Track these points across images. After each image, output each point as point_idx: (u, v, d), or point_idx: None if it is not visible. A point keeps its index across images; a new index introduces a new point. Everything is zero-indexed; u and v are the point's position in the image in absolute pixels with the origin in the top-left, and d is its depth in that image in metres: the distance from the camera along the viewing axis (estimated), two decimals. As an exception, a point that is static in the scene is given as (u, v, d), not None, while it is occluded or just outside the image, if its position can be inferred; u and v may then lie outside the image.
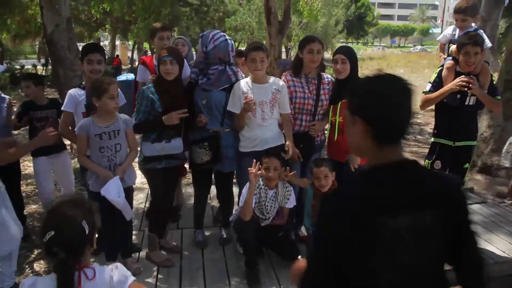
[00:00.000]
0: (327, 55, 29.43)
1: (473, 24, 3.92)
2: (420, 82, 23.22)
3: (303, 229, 4.00)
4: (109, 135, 3.16)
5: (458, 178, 1.89)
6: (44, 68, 22.58)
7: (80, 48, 4.33)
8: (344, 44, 35.82)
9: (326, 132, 4.01)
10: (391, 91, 1.37)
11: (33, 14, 15.92)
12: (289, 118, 3.63)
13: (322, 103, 3.69)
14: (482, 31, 3.90)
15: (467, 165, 3.87)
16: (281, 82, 3.58)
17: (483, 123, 6.67)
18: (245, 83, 3.51)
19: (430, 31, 78.85)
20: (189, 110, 3.45)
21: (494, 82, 3.72)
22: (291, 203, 3.58)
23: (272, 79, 3.58)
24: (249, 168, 3.22)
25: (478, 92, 3.52)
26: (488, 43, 3.79)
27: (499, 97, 3.67)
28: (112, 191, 3.05)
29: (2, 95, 4.09)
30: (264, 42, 10.89)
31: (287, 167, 3.50)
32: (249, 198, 3.26)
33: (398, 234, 1.32)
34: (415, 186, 1.37)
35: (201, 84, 3.55)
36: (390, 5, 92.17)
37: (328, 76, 3.83)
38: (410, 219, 1.33)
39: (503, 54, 8.08)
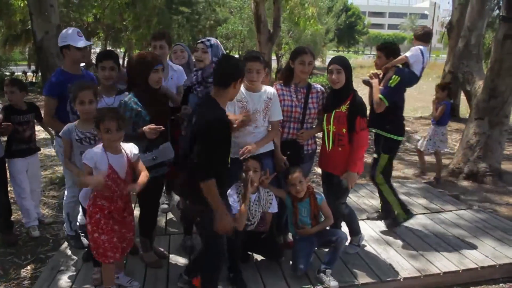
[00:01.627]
0: (317, 63, 29.49)
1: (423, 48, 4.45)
2: (410, 90, 23.46)
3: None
4: (89, 140, 3.17)
5: (209, 117, 2.78)
6: (34, 74, 22.49)
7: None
8: (335, 52, 36.10)
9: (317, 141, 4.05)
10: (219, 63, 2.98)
11: (20, 19, 15.91)
12: (279, 125, 3.66)
13: (310, 111, 3.73)
14: (412, 49, 4.47)
15: (375, 155, 4.44)
16: (273, 90, 3.60)
17: (470, 131, 6.78)
18: (240, 91, 3.50)
19: (420, 40, 79.70)
20: (176, 113, 3.51)
21: (391, 85, 4.10)
22: (274, 208, 3.59)
23: (264, 87, 3.59)
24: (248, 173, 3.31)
25: (371, 83, 4.30)
26: (407, 56, 4.34)
27: (381, 96, 4.10)
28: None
29: None
30: (255, 50, 10.94)
31: (267, 169, 3.50)
32: (245, 207, 3.28)
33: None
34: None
35: (199, 92, 3.60)
36: (380, 14, 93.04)
37: (317, 86, 3.87)
38: None
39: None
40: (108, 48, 23.98)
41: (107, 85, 3.59)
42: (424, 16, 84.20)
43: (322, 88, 3.87)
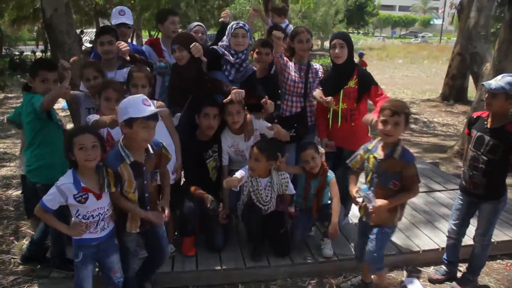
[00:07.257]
0: (327, 44, 29.11)
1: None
2: (419, 72, 23.26)
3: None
4: (96, 111, 3.27)
5: None
6: (44, 54, 22.58)
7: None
8: (344, 34, 35.64)
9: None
10: None
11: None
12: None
13: (310, 85, 3.94)
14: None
15: None
16: (258, 125, 3.70)
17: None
18: (227, 137, 3.68)
19: (431, 22, 78.45)
20: (197, 90, 3.59)
21: None
22: (291, 190, 3.64)
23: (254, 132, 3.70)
24: None
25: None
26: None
27: None
28: None
29: None
30: (263, 31, 10.88)
31: (280, 155, 3.55)
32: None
33: None
34: None
35: (231, 75, 3.73)
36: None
37: (316, 64, 4.09)
38: None
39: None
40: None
41: (107, 59, 3.68)
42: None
43: (320, 66, 4.08)
